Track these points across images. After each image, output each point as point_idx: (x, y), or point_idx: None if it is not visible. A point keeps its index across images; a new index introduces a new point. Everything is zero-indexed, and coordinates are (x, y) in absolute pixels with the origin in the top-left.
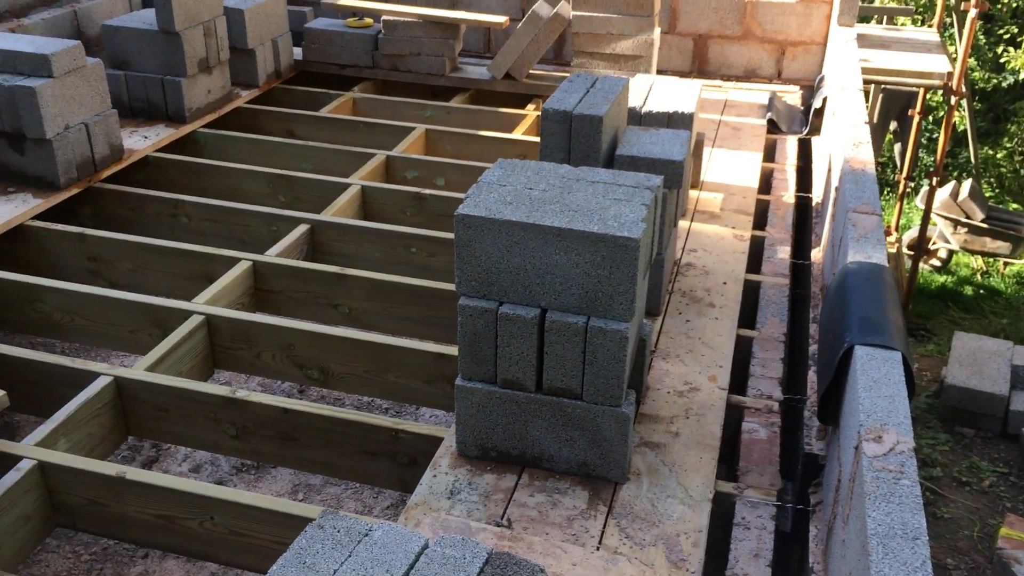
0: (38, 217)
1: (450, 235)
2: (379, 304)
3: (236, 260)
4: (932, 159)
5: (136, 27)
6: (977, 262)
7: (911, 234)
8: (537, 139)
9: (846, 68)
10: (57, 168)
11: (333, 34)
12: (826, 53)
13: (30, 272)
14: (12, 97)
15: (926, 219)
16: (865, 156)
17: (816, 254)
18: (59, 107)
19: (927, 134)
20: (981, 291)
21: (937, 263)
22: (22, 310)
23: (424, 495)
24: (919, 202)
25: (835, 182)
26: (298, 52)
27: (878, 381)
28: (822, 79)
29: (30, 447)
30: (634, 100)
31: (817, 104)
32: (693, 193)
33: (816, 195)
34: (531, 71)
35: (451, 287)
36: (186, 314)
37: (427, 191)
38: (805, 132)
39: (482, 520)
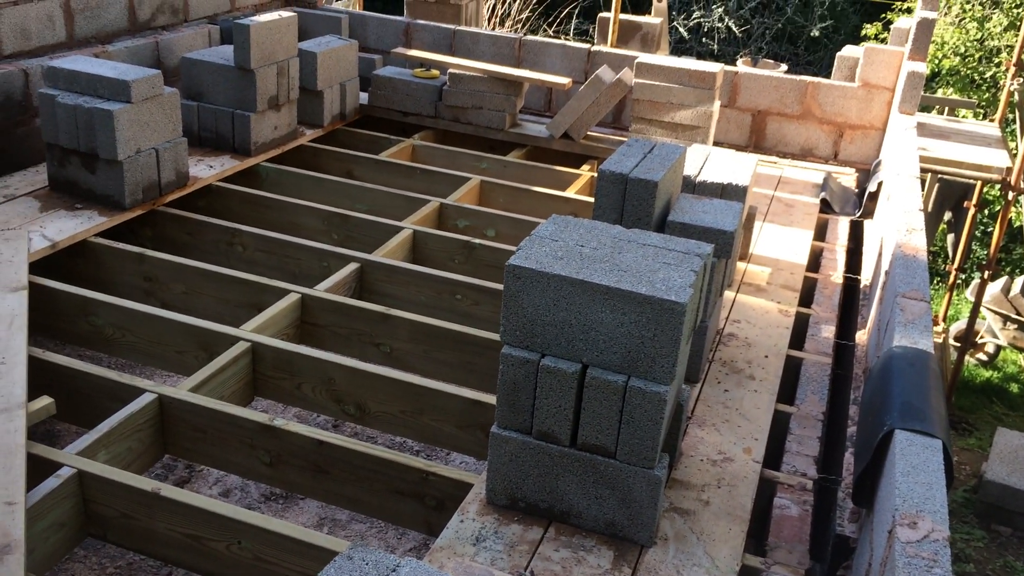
0: (101, 234)
1: (496, 285)
2: (420, 347)
3: (286, 292)
4: (985, 252)
5: (213, 61)
6: None
7: (959, 326)
8: (589, 199)
9: (904, 155)
10: (125, 189)
11: (399, 82)
12: (884, 138)
13: (88, 286)
14: (90, 119)
15: (975, 312)
16: (917, 242)
17: (861, 336)
18: (133, 131)
19: (981, 227)
20: None
21: (984, 357)
22: (76, 322)
23: (450, 539)
24: (969, 294)
25: (885, 266)
26: (364, 97)
27: (916, 467)
28: (879, 163)
29: (71, 455)
30: (690, 169)
31: (872, 188)
32: (741, 265)
33: (865, 277)
34: (589, 133)
35: (492, 336)
36: (233, 340)
37: (477, 240)
38: (858, 214)
39: (505, 570)
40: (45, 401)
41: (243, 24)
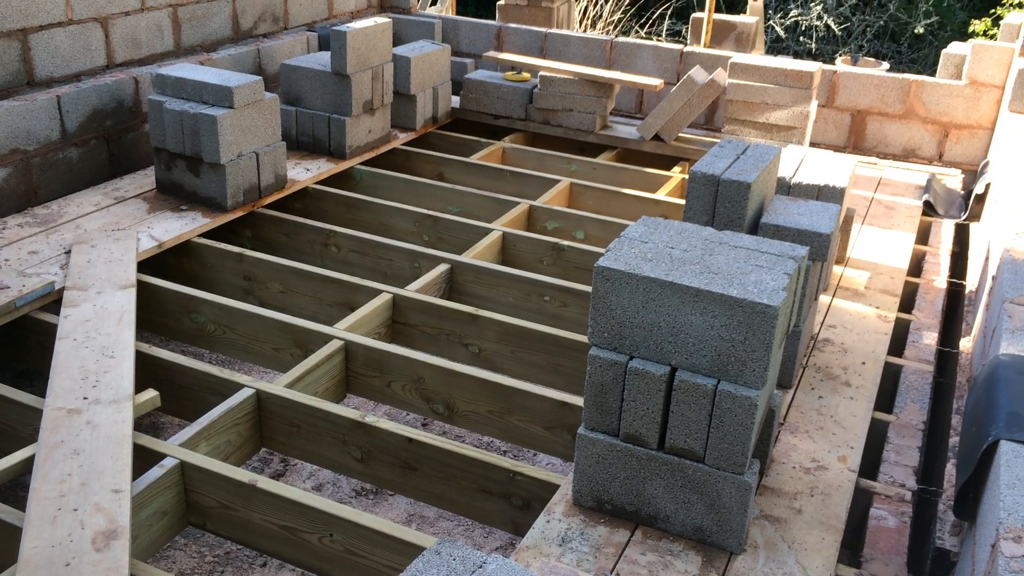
0: (204, 235)
1: (584, 287)
2: (508, 347)
3: (378, 292)
4: None
5: (311, 67)
6: None
7: None
8: (680, 201)
9: (1015, 155)
10: (227, 191)
11: (490, 86)
12: (993, 138)
13: (191, 285)
14: (196, 124)
15: None
16: None
17: (965, 343)
18: (235, 136)
19: None
20: None
21: None
22: (180, 319)
23: (536, 539)
24: None
25: (992, 270)
26: (456, 100)
27: (1022, 479)
28: (987, 164)
29: (174, 447)
30: (784, 170)
31: (979, 189)
32: (838, 269)
33: (970, 283)
34: (680, 134)
35: (580, 337)
36: (327, 338)
37: (566, 242)
38: (963, 217)
39: (591, 571)
40: (151, 394)
41: (340, 31)
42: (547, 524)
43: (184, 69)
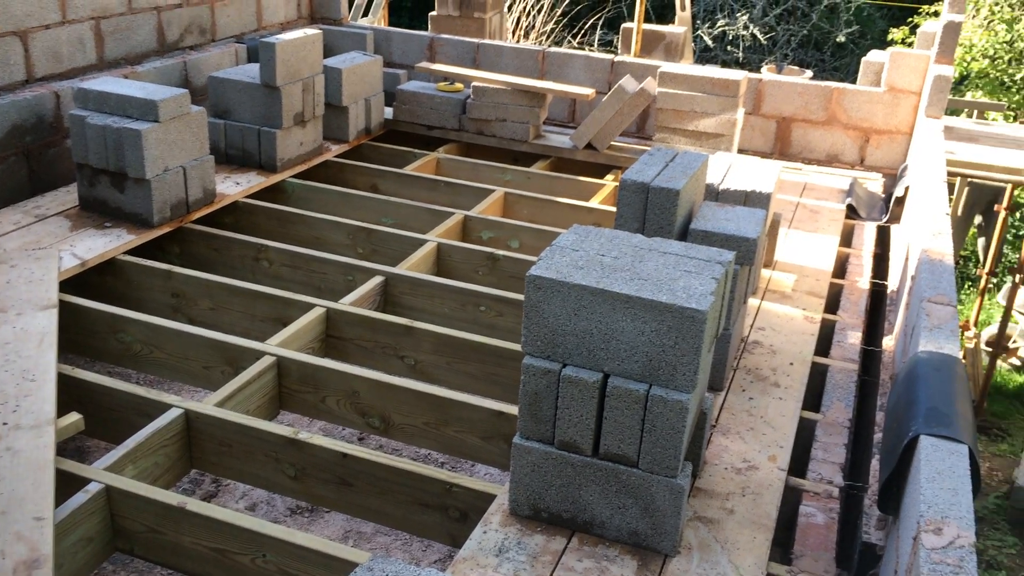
0: (130, 252)
1: (519, 296)
2: (444, 358)
3: (311, 306)
4: (1017, 255)
5: (240, 79)
6: None
7: (991, 330)
8: (613, 209)
9: (931, 159)
10: (153, 207)
11: (424, 96)
12: (911, 143)
13: (117, 304)
14: (119, 138)
15: (1007, 316)
16: (943, 247)
17: (888, 342)
18: (161, 150)
19: (1013, 230)
20: None
21: (1017, 362)
22: (105, 339)
23: (473, 551)
24: (1000, 298)
25: (911, 271)
26: (389, 111)
27: (942, 473)
28: (906, 168)
29: (99, 471)
30: (712, 177)
31: (899, 192)
32: (765, 272)
33: (892, 283)
34: (613, 143)
35: (516, 347)
36: (259, 354)
37: (501, 252)
38: (885, 220)
39: None
40: (74, 417)
41: (269, 42)
42: (484, 535)
43: (107, 83)
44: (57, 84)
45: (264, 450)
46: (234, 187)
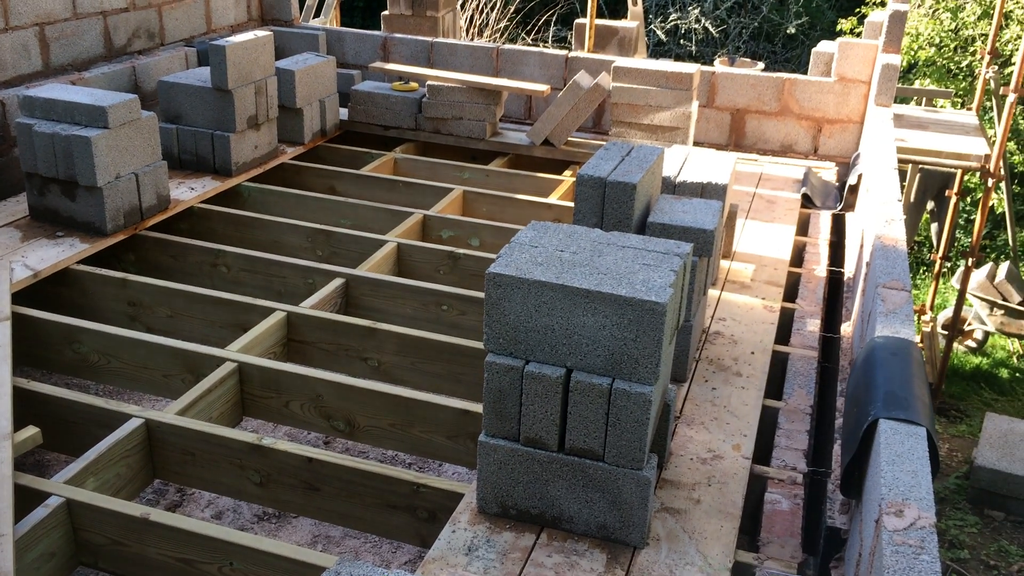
0: (83, 261)
1: (481, 294)
2: (407, 359)
3: (271, 310)
4: (969, 240)
5: (190, 83)
6: (1013, 345)
7: (946, 314)
8: (572, 204)
9: (882, 146)
10: (105, 215)
11: (379, 96)
12: (863, 131)
13: (72, 314)
14: (68, 146)
15: (961, 299)
16: (896, 233)
17: (846, 328)
18: (112, 157)
19: (964, 215)
20: (1017, 374)
21: (972, 344)
22: (61, 351)
23: (442, 550)
24: (955, 282)
25: (866, 257)
26: (344, 112)
27: (901, 456)
28: (858, 156)
29: (59, 484)
30: (669, 170)
31: (852, 181)
32: (724, 263)
33: (848, 270)
34: (569, 138)
35: (479, 345)
36: (219, 361)
37: (461, 251)
38: (839, 208)
39: None
40: (31, 431)
41: (219, 45)
42: (453, 534)
43: (54, 90)
44: (2, 92)
45: (228, 457)
46: (189, 192)
